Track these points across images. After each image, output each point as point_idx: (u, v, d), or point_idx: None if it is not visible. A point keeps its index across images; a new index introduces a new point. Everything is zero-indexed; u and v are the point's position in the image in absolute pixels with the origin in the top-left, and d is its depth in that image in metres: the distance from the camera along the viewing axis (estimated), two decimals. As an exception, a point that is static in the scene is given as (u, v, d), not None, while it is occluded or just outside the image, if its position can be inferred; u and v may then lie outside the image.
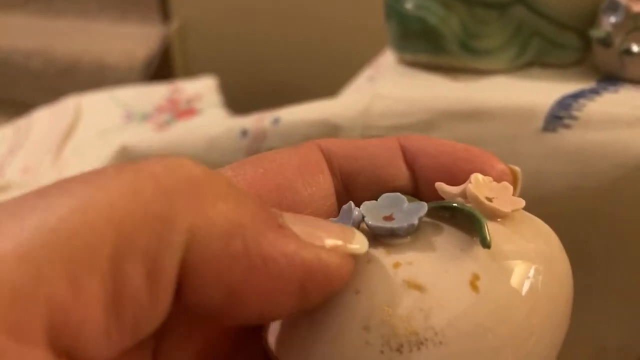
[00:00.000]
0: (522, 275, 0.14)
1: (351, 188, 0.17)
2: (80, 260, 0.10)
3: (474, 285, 0.13)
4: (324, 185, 0.16)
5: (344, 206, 0.15)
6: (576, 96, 0.30)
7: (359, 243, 0.13)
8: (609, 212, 0.29)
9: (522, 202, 0.15)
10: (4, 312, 0.09)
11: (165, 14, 1.06)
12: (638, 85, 0.31)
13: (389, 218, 0.14)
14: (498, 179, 0.16)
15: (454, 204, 0.15)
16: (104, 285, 0.10)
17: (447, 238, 0.14)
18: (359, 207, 0.15)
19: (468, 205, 0.15)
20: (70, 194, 0.11)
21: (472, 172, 0.15)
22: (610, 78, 0.32)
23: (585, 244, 0.30)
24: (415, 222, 0.14)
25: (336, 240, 0.13)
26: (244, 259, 0.12)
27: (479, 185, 0.15)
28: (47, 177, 0.56)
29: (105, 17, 1.13)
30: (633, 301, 0.32)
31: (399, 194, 0.15)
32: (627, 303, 0.32)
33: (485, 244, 0.13)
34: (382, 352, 0.12)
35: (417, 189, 0.17)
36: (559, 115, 0.30)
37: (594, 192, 0.28)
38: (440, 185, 0.16)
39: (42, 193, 0.11)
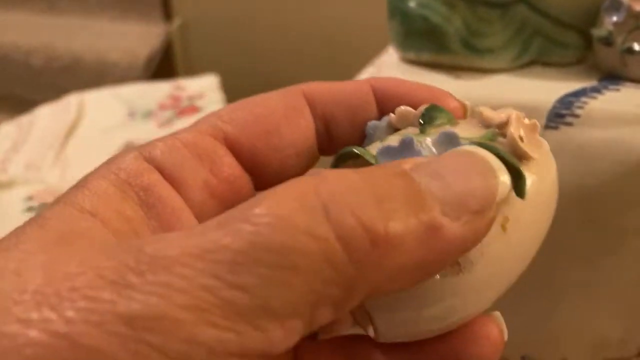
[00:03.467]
0: (540, 212, 0.17)
1: (332, 127, 0.20)
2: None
3: (504, 227, 0.16)
4: (305, 129, 0.19)
5: (405, 139, 0.16)
6: (578, 94, 0.31)
7: (503, 177, 0.15)
8: (611, 208, 0.29)
9: (546, 145, 0.17)
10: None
11: (166, 12, 1.06)
12: (639, 84, 0.31)
13: None
14: (453, 113, 0.18)
15: (503, 155, 0.16)
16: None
17: None
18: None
19: (505, 151, 0.16)
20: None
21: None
22: (612, 77, 0.32)
23: (587, 239, 0.31)
24: None
25: (483, 201, 0.14)
26: (410, 276, 0.14)
27: (517, 126, 0.17)
28: (50, 173, 0.56)
29: (107, 14, 1.13)
30: (634, 295, 0.32)
31: (453, 131, 0.16)
32: (628, 297, 0.32)
33: (522, 197, 0.16)
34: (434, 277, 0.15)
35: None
36: (561, 113, 0.30)
37: (596, 189, 0.29)
38: (484, 110, 0.17)
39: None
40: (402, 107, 0.18)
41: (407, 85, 0.19)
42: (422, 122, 0.17)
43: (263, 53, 0.98)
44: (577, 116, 0.29)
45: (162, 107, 0.72)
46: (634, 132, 0.28)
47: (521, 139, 0.16)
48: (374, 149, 0.17)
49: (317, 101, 0.19)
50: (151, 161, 0.17)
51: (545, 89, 0.32)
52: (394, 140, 0.17)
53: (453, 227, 0.13)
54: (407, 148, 0.16)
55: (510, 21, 0.34)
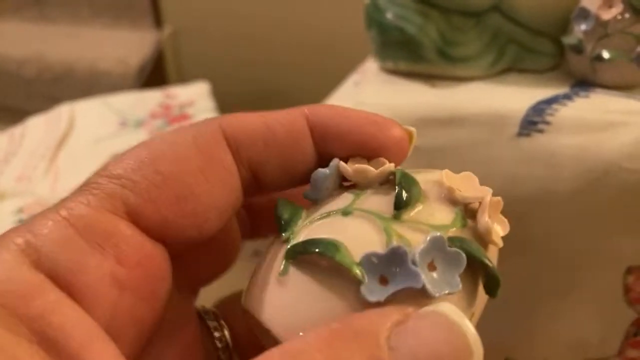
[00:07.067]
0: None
1: (260, 174, 0.17)
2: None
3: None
4: (227, 183, 0.16)
5: (395, 249, 0.15)
6: (550, 101, 0.31)
7: (478, 353, 0.13)
8: (583, 213, 0.30)
9: (507, 225, 0.17)
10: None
11: (157, 19, 1.07)
12: (609, 90, 0.31)
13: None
14: (397, 144, 0.17)
15: (490, 268, 0.16)
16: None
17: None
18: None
19: (483, 252, 0.16)
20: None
21: (377, 141, 0.17)
22: (583, 83, 0.33)
23: (559, 245, 0.31)
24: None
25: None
26: None
27: (493, 212, 0.16)
28: (41, 185, 0.57)
29: (98, 23, 1.14)
30: (609, 299, 0.33)
31: (440, 238, 0.15)
32: (606, 298, 0.33)
33: (494, 297, 0.16)
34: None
35: (322, 158, 0.17)
36: (533, 120, 0.31)
37: (567, 196, 0.29)
38: (452, 184, 0.16)
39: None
40: (359, 166, 0.17)
41: (348, 117, 0.17)
42: (396, 207, 0.16)
43: (254, 59, 0.99)
44: (548, 123, 0.30)
45: (154, 115, 0.73)
46: (602, 138, 0.28)
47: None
48: (328, 208, 0.16)
49: (241, 144, 0.17)
50: (41, 267, 0.13)
51: (519, 96, 0.33)
52: (367, 228, 0.15)
53: None
54: (400, 262, 0.14)
55: (484, 30, 0.35)
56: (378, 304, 0.14)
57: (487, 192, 0.16)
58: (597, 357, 0.35)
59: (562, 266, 0.32)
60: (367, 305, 0.14)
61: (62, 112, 0.72)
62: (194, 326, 0.19)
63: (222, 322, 0.20)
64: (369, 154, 0.17)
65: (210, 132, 0.17)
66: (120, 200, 0.15)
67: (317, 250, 0.15)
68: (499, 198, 0.17)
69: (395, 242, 0.15)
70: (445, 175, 0.17)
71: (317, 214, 0.16)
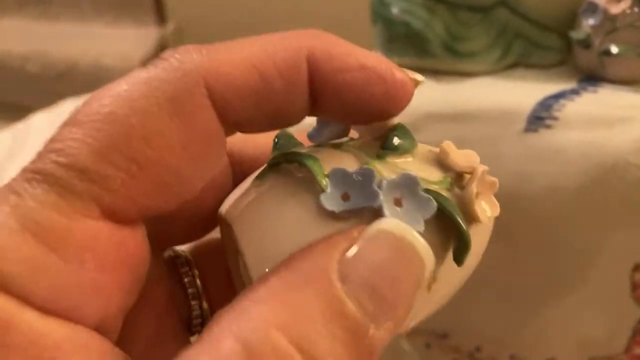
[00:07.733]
0: (466, 271, 0.16)
1: (243, 130, 0.15)
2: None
3: (429, 287, 0.15)
4: (214, 154, 0.14)
5: (364, 171, 0.15)
6: (557, 97, 0.31)
7: (430, 266, 0.13)
8: (589, 211, 0.30)
9: (497, 208, 0.16)
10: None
11: (160, 16, 1.07)
12: (617, 85, 0.31)
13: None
14: (399, 87, 0.15)
15: (459, 226, 0.15)
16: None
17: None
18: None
19: (459, 213, 0.15)
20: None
21: (380, 95, 0.15)
22: (591, 78, 0.33)
23: (566, 241, 0.31)
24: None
25: (411, 306, 0.13)
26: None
27: (479, 185, 0.16)
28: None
29: (101, 19, 1.13)
30: (617, 293, 0.32)
31: (414, 177, 0.14)
32: (612, 295, 0.33)
33: (460, 265, 0.15)
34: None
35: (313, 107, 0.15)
36: (541, 116, 0.30)
37: (574, 192, 0.29)
38: (450, 150, 0.16)
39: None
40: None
41: (349, 69, 0.14)
42: (384, 147, 0.16)
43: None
44: (555, 119, 0.30)
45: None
46: (610, 134, 0.28)
47: (477, 195, 0.15)
48: (326, 155, 0.16)
49: (229, 104, 0.14)
50: (13, 293, 0.12)
51: (526, 91, 0.33)
52: (348, 159, 0.15)
53: (378, 334, 0.12)
54: (365, 182, 0.14)
55: (491, 25, 0.35)
56: (333, 216, 0.14)
57: (480, 166, 0.16)
58: (604, 355, 0.34)
59: (569, 263, 0.32)
60: (325, 216, 0.14)
61: (67, 108, 0.72)
62: (163, 278, 0.18)
63: (195, 270, 0.19)
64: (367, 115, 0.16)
65: (189, 89, 0.13)
66: (94, 201, 0.12)
67: (293, 158, 0.15)
68: (495, 179, 0.16)
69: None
70: (445, 144, 0.16)
71: (310, 147, 0.17)
